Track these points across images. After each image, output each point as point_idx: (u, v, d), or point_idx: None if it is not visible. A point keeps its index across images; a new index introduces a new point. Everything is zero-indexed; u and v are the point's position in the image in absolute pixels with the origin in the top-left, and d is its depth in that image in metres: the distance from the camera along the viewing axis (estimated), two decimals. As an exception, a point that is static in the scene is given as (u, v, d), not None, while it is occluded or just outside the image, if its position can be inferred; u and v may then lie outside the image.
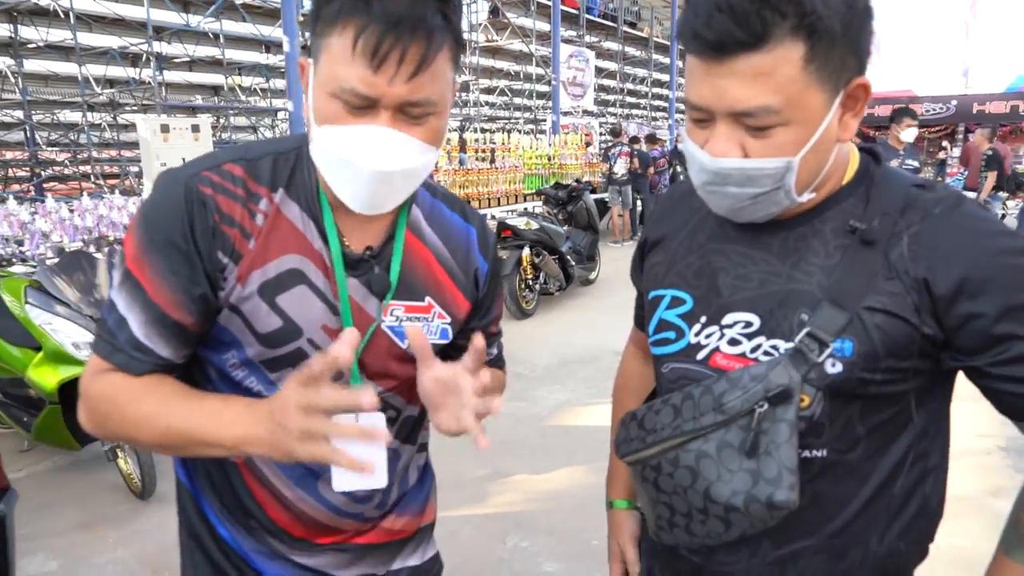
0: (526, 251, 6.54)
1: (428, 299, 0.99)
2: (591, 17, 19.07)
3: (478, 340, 0.86)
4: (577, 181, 9.74)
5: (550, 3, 15.54)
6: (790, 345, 0.83)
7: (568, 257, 7.10)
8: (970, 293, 0.79)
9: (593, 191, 10.46)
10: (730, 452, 0.83)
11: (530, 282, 6.73)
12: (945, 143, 19.23)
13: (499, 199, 9.15)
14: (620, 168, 11.14)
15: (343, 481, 0.94)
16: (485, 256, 1.05)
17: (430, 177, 1.01)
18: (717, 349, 0.90)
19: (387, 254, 0.97)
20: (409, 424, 1.06)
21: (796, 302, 0.84)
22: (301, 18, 10.88)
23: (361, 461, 0.73)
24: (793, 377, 0.81)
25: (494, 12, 17.10)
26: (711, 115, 0.80)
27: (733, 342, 0.88)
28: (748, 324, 0.87)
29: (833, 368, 0.82)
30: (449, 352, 1.03)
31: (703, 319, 0.92)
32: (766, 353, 0.86)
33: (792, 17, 0.72)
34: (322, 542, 1.03)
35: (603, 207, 11.62)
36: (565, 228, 7.71)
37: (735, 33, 0.73)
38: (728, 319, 0.89)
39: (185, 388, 0.89)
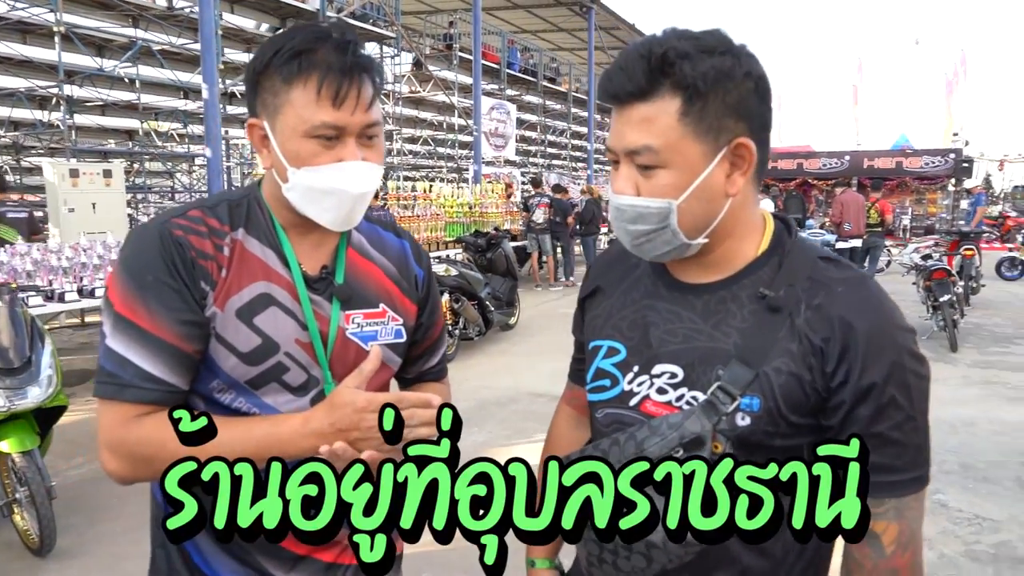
0: (445, 297, 6.68)
1: (382, 305, 1.18)
2: (512, 72, 19.80)
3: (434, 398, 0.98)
4: (496, 229, 10.01)
5: (472, 57, 16.09)
6: (705, 397, 0.93)
7: (487, 303, 7.28)
8: (849, 362, 0.90)
9: (513, 239, 10.75)
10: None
11: (449, 327, 6.84)
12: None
13: (420, 246, 9.27)
14: (539, 217, 11.60)
15: None
16: (420, 264, 1.27)
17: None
18: (648, 397, 0.99)
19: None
20: None
21: (714, 359, 0.94)
22: (222, 66, 10.86)
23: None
24: (705, 426, 0.90)
25: (417, 64, 17.52)
26: (617, 156, 0.95)
27: (661, 391, 0.98)
28: (673, 375, 0.97)
29: (743, 421, 0.91)
30: (404, 364, 1.24)
31: (635, 368, 1.01)
32: (688, 403, 0.95)
33: (670, 77, 0.90)
34: (314, 556, 1.11)
35: (523, 254, 11.94)
36: (485, 275, 7.91)
37: (627, 86, 0.91)
38: (657, 369, 0.98)
39: (220, 416, 0.94)
